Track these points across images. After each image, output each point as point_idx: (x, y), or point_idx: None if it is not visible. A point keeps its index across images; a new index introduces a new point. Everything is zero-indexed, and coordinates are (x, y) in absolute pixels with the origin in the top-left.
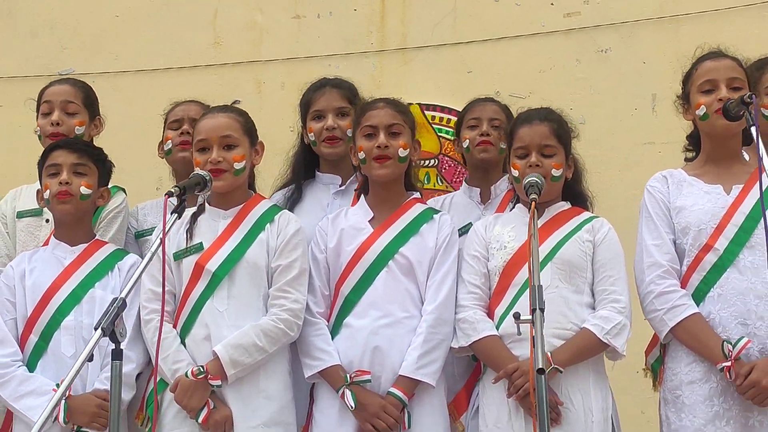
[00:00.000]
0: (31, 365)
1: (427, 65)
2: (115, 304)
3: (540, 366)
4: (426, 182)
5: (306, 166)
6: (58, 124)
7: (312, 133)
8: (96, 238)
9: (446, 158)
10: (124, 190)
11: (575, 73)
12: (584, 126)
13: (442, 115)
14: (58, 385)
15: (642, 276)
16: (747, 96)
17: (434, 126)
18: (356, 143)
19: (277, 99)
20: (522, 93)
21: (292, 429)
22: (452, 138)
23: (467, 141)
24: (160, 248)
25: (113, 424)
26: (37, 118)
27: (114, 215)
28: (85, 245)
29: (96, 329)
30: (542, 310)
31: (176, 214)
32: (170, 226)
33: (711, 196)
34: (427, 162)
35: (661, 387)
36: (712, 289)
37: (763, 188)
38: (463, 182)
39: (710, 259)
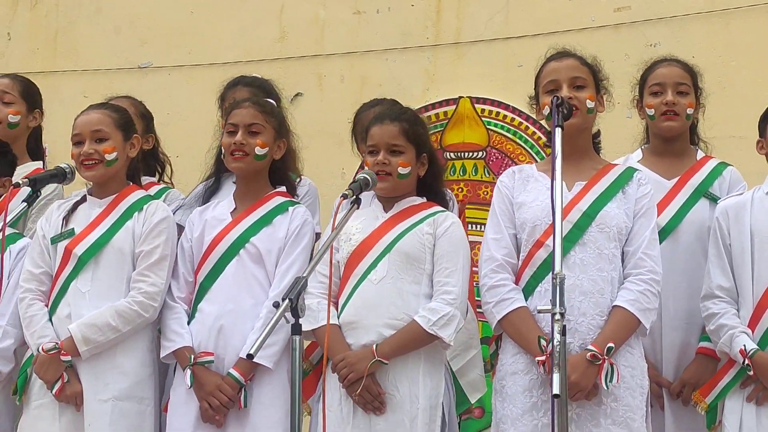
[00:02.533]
0: None
1: (480, 59)
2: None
3: (250, 351)
4: (473, 174)
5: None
6: None
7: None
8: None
9: (494, 150)
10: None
11: (624, 67)
12: (631, 120)
13: (491, 108)
14: None
15: (479, 269)
16: (555, 98)
17: (483, 119)
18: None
19: (337, 92)
20: None
21: (149, 403)
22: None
23: None
24: (37, 231)
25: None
26: None
27: (46, 202)
28: None
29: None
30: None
31: (26, 204)
32: (18, 215)
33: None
34: (475, 154)
35: (494, 377)
36: (540, 285)
37: (557, 187)
38: None
39: (541, 255)
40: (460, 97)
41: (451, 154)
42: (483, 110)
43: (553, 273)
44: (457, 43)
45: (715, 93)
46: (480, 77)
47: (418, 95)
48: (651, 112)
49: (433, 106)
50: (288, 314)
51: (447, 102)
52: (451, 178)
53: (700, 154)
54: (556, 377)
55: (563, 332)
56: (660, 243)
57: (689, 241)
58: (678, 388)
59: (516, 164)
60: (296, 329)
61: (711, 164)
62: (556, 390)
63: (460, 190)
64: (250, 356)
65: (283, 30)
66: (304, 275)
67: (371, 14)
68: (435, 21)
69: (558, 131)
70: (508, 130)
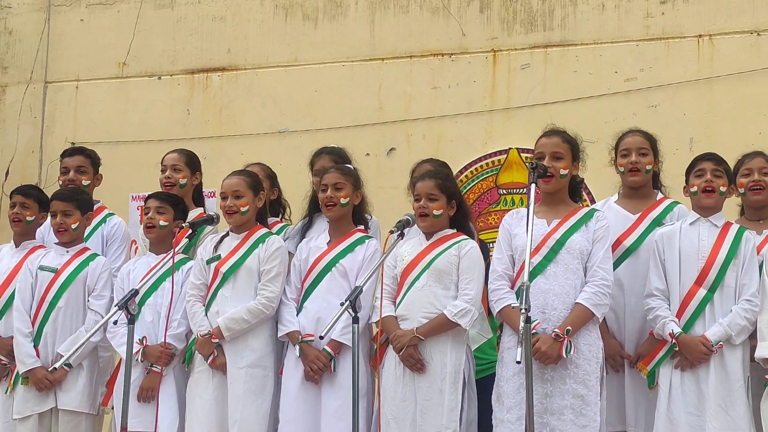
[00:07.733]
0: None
1: (525, 120)
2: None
3: (321, 335)
4: (520, 205)
5: (315, 205)
6: (168, 178)
7: (314, 185)
8: (172, 250)
9: None
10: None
11: (632, 123)
12: None
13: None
14: (140, 340)
15: (489, 278)
16: (531, 163)
17: (526, 164)
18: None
19: (421, 147)
20: (592, 139)
21: (270, 369)
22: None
23: None
24: (198, 255)
25: None
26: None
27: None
28: (164, 254)
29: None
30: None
31: (188, 239)
32: (181, 248)
33: (536, 227)
34: (521, 190)
35: (498, 350)
36: None
37: (530, 225)
38: None
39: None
40: (510, 148)
41: (504, 191)
42: (527, 158)
43: (522, 282)
44: (508, 108)
45: (700, 141)
46: (525, 133)
47: (479, 147)
48: (621, 169)
49: (490, 155)
50: (350, 310)
51: (500, 152)
52: (504, 208)
53: (659, 196)
54: (519, 350)
55: (526, 321)
56: (625, 259)
57: (647, 257)
58: (635, 359)
59: None
60: (355, 319)
61: (665, 203)
62: (518, 358)
63: None
64: (321, 337)
65: (381, 102)
66: (361, 285)
67: (445, 89)
68: (491, 92)
69: (532, 186)
70: None
